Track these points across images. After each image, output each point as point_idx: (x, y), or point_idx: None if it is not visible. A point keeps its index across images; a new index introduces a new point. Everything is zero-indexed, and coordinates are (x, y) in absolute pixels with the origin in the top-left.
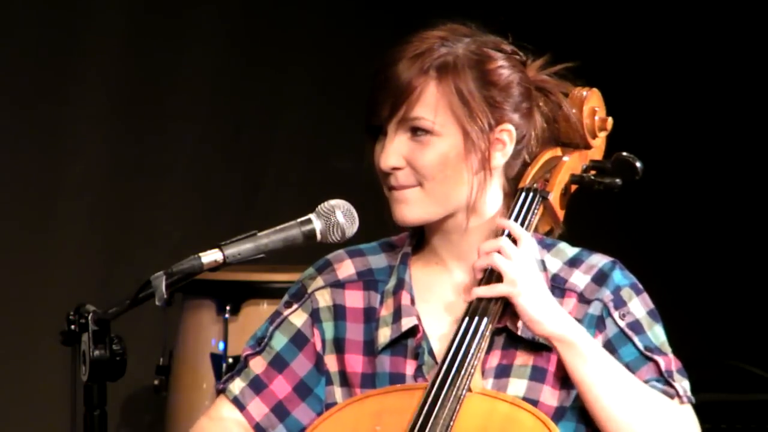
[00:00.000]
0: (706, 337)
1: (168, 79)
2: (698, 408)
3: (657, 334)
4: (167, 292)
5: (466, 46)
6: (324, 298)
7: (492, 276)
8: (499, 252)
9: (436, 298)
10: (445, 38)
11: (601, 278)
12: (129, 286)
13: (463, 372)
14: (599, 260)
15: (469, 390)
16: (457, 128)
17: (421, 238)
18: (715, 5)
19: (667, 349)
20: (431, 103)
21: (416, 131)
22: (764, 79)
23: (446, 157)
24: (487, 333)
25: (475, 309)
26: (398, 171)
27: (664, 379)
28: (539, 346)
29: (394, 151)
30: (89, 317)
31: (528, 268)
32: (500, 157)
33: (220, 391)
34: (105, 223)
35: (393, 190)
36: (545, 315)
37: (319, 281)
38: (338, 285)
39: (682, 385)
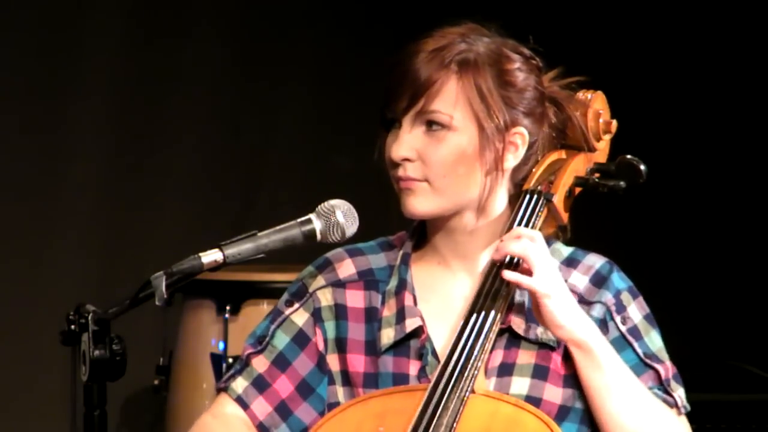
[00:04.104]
0: (706, 337)
1: (168, 78)
2: (698, 408)
3: (654, 339)
4: (167, 292)
5: (486, 45)
6: (325, 298)
7: (510, 266)
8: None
9: (438, 298)
10: (465, 35)
11: (600, 280)
12: (129, 286)
13: (466, 373)
14: (596, 261)
15: (473, 391)
16: (474, 124)
17: (420, 238)
18: (716, 6)
19: (664, 355)
20: (451, 98)
21: (432, 125)
22: (766, 80)
23: (460, 153)
24: (492, 335)
25: (480, 309)
26: (408, 163)
27: (663, 387)
28: (541, 345)
29: (408, 143)
30: (89, 317)
31: (553, 270)
32: (512, 159)
33: (222, 390)
34: (105, 223)
35: (400, 181)
36: (572, 321)
37: (321, 280)
38: (339, 284)
39: (679, 393)
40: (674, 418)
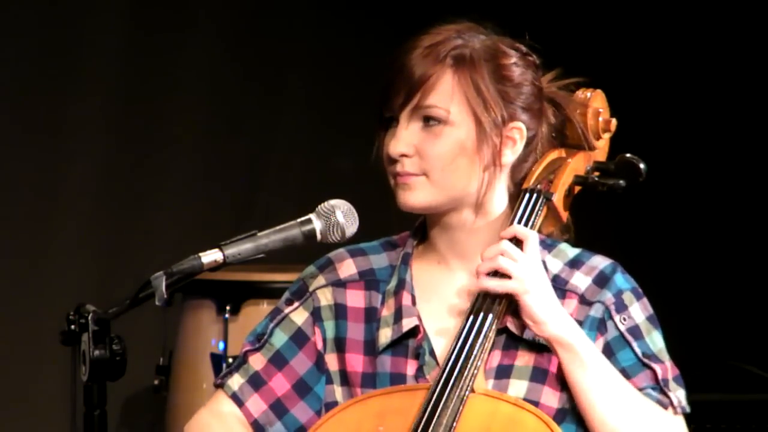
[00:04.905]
0: (706, 337)
1: (168, 78)
2: (698, 408)
3: (655, 340)
4: (167, 292)
5: (482, 41)
6: (325, 297)
7: (496, 277)
8: (502, 255)
9: (437, 298)
10: (461, 31)
11: (602, 280)
12: (129, 286)
13: (466, 373)
14: (600, 262)
15: (472, 391)
16: (471, 118)
17: (423, 238)
18: (716, 5)
19: (665, 356)
20: (446, 92)
21: (429, 120)
22: (766, 80)
23: (458, 147)
24: (491, 334)
25: (479, 309)
26: (405, 158)
27: (659, 387)
28: (540, 347)
29: (405, 139)
30: (89, 317)
31: (535, 268)
32: (510, 155)
33: (218, 386)
34: (105, 223)
35: (397, 176)
36: (549, 316)
37: (321, 280)
38: (340, 284)
39: (677, 394)
40: (666, 418)
